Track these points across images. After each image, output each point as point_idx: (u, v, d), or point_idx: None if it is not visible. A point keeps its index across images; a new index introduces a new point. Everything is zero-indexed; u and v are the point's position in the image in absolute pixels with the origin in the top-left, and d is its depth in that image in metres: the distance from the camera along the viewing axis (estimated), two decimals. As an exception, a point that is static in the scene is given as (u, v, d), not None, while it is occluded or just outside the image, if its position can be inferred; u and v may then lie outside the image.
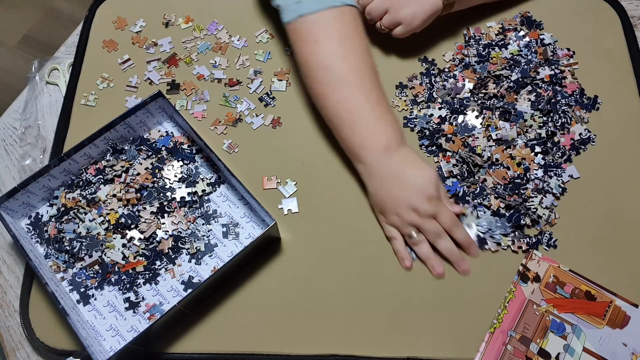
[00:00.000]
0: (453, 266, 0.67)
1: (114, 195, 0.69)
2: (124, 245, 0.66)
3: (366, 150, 0.67)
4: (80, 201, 0.68)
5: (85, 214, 0.68)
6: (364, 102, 0.67)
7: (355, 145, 0.68)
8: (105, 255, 0.66)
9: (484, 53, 0.79)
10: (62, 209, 0.68)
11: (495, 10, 0.84)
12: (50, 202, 0.70)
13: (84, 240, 0.66)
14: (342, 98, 0.67)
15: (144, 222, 0.67)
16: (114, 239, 0.67)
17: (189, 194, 0.70)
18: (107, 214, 0.67)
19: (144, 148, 0.72)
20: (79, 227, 0.67)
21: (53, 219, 0.68)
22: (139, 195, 0.69)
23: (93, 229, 0.67)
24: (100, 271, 0.66)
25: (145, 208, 0.68)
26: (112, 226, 0.67)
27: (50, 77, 0.83)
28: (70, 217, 0.68)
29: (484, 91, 0.75)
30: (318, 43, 0.67)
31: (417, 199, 0.65)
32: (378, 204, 0.69)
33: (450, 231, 0.67)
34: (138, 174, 0.70)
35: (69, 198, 0.68)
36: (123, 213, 0.68)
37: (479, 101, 0.75)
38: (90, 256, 0.66)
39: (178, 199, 0.69)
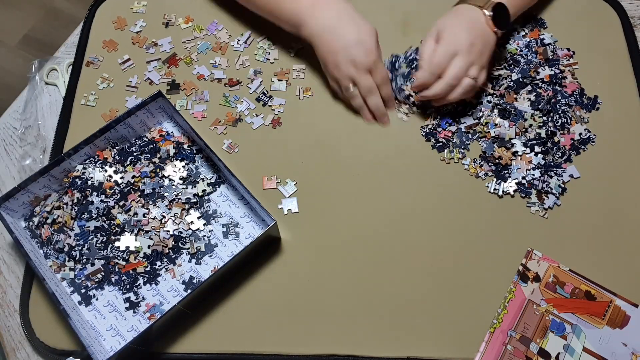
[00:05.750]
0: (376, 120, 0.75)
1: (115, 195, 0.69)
2: (126, 248, 0.66)
3: (298, 16, 0.73)
4: (72, 207, 0.68)
5: (77, 220, 0.68)
6: None
7: (288, 17, 0.74)
8: (110, 250, 0.66)
9: None
10: (55, 216, 0.67)
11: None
12: (42, 205, 0.69)
13: (82, 246, 0.66)
14: None
15: (150, 221, 0.67)
16: (118, 239, 0.67)
17: (190, 194, 0.70)
18: (108, 216, 0.68)
19: (144, 148, 0.72)
20: (70, 237, 0.67)
21: (45, 225, 0.68)
22: (142, 201, 0.69)
23: (91, 236, 0.67)
24: (103, 275, 0.66)
25: (149, 209, 0.68)
26: (116, 228, 0.67)
27: (48, 78, 0.83)
28: (61, 224, 0.67)
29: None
30: None
31: (356, 51, 0.70)
32: (323, 61, 0.74)
33: (380, 87, 0.73)
34: (140, 175, 0.70)
35: (65, 201, 0.68)
36: (125, 218, 0.68)
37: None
38: (93, 264, 0.66)
39: (183, 200, 0.69)
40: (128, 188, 0.69)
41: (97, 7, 0.87)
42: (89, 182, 0.69)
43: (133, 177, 0.70)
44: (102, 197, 0.68)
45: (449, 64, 0.69)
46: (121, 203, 0.68)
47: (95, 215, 0.67)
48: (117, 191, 0.69)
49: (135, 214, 0.68)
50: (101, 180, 0.69)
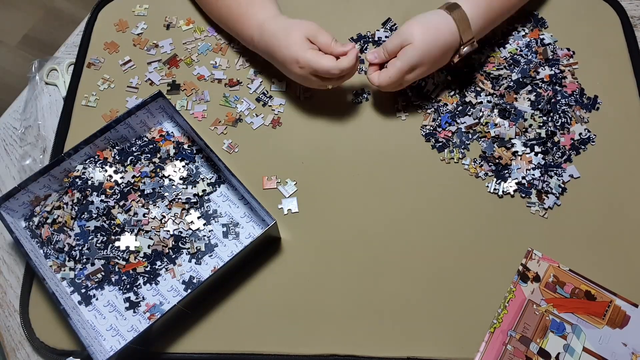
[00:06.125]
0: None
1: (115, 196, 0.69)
2: (126, 248, 0.66)
3: (249, 43, 0.76)
4: (72, 207, 0.68)
5: (78, 219, 0.68)
6: None
7: (243, 39, 0.78)
8: (110, 250, 0.66)
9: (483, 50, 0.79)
10: (55, 216, 0.67)
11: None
12: (42, 204, 0.69)
13: (82, 246, 0.66)
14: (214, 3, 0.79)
15: (150, 221, 0.67)
16: (119, 239, 0.67)
17: (190, 194, 0.70)
18: (108, 216, 0.68)
19: (144, 148, 0.72)
20: (70, 237, 0.67)
21: (45, 225, 0.68)
22: (142, 201, 0.69)
23: (91, 236, 0.67)
24: (103, 275, 0.66)
25: (149, 209, 0.68)
26: (116, 228, 0.67)
27: (48, 78, 0.83)
28: (61, 224, 0.67)
29: (478, 88, 0.76)
30: None
31: (291, 67, 0.70)
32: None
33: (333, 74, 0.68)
34: (140, 175, 0.70)
35: (65, 201, 0.68)
36: (125, 218, 0.68)
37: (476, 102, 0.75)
38: (93, 264, 0.66)
39: (183, 200, 0.69)
40: (128, 188, 0.69)
41: (99, 9, 0.87)
42: (89, 182, 0.69)
43: (133, 177, 0.70)
44: (102, 197, 0.68)
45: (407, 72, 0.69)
46: (121, 203, 0.68)
47: (95, 215, 0.67)
48: (117, 191, 0.69)
49: (135, 213, 0.68)
50: (101, 180, 0.69)
